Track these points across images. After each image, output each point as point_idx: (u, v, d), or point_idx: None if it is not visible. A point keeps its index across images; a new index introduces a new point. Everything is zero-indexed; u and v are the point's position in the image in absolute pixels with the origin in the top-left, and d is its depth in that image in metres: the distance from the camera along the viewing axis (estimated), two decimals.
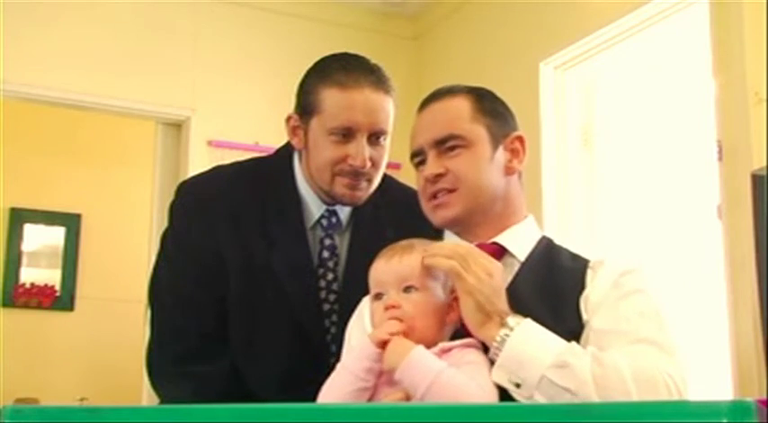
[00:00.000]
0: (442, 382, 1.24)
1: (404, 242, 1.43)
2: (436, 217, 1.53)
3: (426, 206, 1.55)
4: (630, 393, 1.23)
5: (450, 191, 1.50)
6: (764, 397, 1.87)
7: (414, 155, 1.57)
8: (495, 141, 1.53)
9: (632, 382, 1.24)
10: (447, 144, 1.51)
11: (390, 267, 1.38)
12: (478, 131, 1.52)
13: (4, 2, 3.77)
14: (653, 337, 1.33)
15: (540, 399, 1.24)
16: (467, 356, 1.30)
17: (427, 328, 1.34)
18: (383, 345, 1.29)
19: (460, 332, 1.36)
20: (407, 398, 1.27)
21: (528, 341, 1.28)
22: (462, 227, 1.52)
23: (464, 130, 1.51)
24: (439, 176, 1.51)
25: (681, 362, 1.33)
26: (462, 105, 1.54)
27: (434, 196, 1.52)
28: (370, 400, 1.31)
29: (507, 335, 1.29)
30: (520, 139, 1.57)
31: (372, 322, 1.40)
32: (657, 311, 1.39)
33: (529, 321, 1.31)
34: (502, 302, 1.34)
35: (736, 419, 0.82)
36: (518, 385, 1.26)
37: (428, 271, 1.37)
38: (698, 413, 0.84)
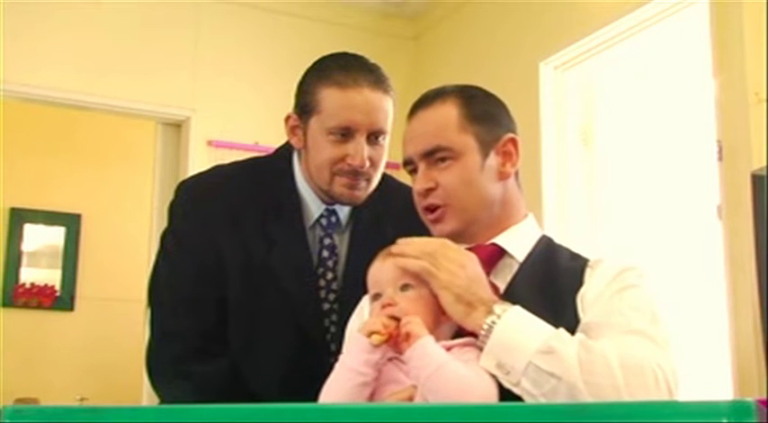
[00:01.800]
0: (446, 371, 1.25)
1: (399, 242, 1.43)
2: (435, 230, 1.53)
3: (423, 217, 1.55)
4: (617, 379, 1.22)
5: (442, 206, 1.50)
6: (764, 397, 1.87)
7: (405, 163, 1.57)
8: (486, 148, 1.51)
9: (619, 368, 1.23)
10: (436, 156, 1.50)
11: (386, 267, 1.39)
12: (467, 141, 1.50)
13: (4, 2, 3.77)
14: (644, 329, 1.32)
15: (527, 384, 1.24)
16: (466, 355, 1.31)
17: (424, 323, 1.34)
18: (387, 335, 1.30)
19: (462, 332, 1.36)
20: (412, 398, 1.27)
21: (515, 328, 1.28)
22: (462, 238, 1.51)
23: (452, 142, 1.49)
24: (429, 190, 1.50)
25: (672, 356, 1.31)
26: (450, 114, 1.51)
27: (429, 209, 1.52)
28: (372, 398, 1.31)
29: (494, 322, 1.28)
30: (513, 141, 1.54)
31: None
32: (652, 306, 1.38)
33: (517, 308, 1.31)
34: (483, 290, 1.34)
35: (736, 419, 0.81)
36: (507, 372, 1.26)
37: None
38: (698, 413, 0.84)
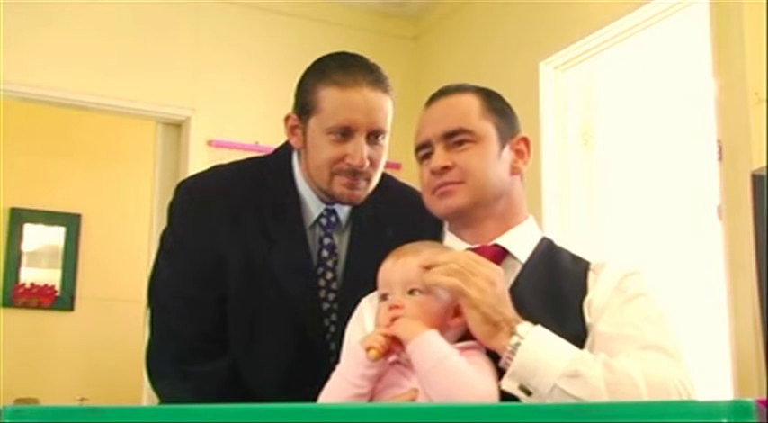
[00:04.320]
0: (449, 364, 1.25)
1: (413, 244, 1.43)
2: (440, 206, 1.51)
3: (430, 198, 1.53)
4: (643, 400, 1.22)
5: (457, 183, 1.49)
6: (764, 397, 1.86)
7: (419, 147, 1.55)
8: (503, 140, 1.53)
9: (645, 388, 1.23)
10: (456, 138, 1.50)
11: (397, 269, 1.39)
12: (487, 128, 1.52)
13: (3, 2, 3.77)
14: (660, 343, 1.33)
15: None
16: (470, 358, 1.31)
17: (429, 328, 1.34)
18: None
19: (465, 336, 1.36)
20: (414, 399, 1.27)
21: (539, 349, 1.28)
22: (465, 220, 1.51)
23: (473, 126, 1.51)
24: (446, 169, 1.49)
25: (687, 367, 1.33)
26: (472, 102, 1.54)
27: (439, 187, 1.51)
28: (373, 401, 1.31)
29: (518, 344, 1.28)
30: (525, 140, 1.58)
31: (376, 321, 1.40)
32: (662, 315, 1.39)
33: (539, 328, 1.31)
34: (508, 309, 1.33)
35: (736, 419, 0.81)
36: (529, 393, 1.26)
37: None
38: (698, 413, 0.84)
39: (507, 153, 1.54)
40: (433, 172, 1.51)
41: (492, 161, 1.51)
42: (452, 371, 1.25)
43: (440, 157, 1.50)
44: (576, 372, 1.25)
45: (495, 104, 1.56)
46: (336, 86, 1.68)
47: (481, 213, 1.50)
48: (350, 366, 1.31)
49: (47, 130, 5.10)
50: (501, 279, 1.36)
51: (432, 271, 1.35)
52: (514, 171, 1.54)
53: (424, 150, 1.55)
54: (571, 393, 1.23)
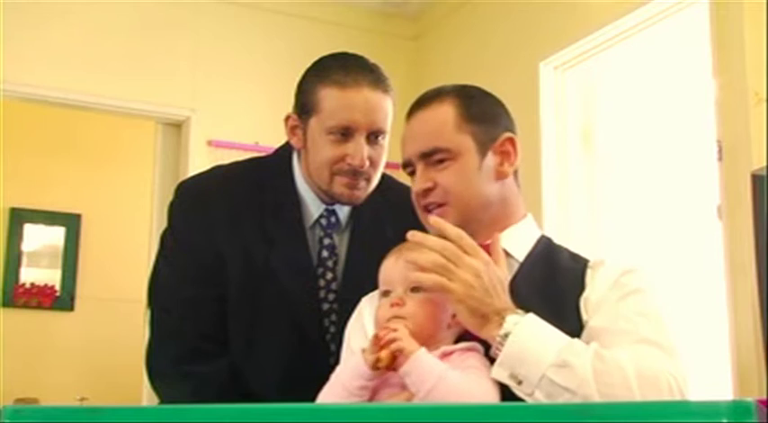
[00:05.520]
0: (446, 383, 1.24)
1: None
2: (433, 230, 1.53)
3: (422, 216, 1.54)
4: (633, 391, 1.22)
5: (441, 205, 1.50)
6: (764, 397, 1.86)
7: (404, 165, 1.56)
8: (483, 148, 1.50)
9: (635, 379, 1.23)
10: (434, 157, 1.50)
11: (399, 265, 1.38)
12: (464, 142, 1.49)
13: (4, 2, 3.77)
14: (654, 338, 1.33)
15: (541, 396, 1.24)
16: (467, 361, 1.30)
17: (428, 328, 1.33)
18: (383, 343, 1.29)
19: (464, 336, 1.36)
20: (410, 400, 1.27)
21: (529, 339, 1.28)
22: None
23: (449, 143, 1.49)
24: (428, 191, 1.50)
25: (681, 363, 1.32)
26: (447, 115, 1.51)
27: (428, 209, 1.51)
28: (371, 400, 1.31)
29: (507, 334, 1.28)
30: (510, 140, 1.54)
31: (377, 318, 1.40)
32: (658, 312, 1.39)
33: (530, 318, 1.30)
34: (498, 300, 1.33)
35: (736, 419, 0.81)
36: (519, 382, 1.26)
37: None
38: (698, 413, 0.84)
39: (491, 159, 1.51)
40: (417, 194, 1.52)
41: (473, 175, 1.49)
42: (451, 389, 1.24)
43: (420, 179, 1.51)
44: (564, 361, 1.25)
45: (474, 110, 1.52)
46: (337, 86, 1.68)
47: (473, 227, 1.47)
48: (351, 378, 1.30)
49: (47, 130, 5.10)
50: (490, 268, 1.34)
51: (412, 263, 1.34)
52: (500, 175, 1.52)
53: (408, 168, 1.56)
54: (560, 383, 1.23)
